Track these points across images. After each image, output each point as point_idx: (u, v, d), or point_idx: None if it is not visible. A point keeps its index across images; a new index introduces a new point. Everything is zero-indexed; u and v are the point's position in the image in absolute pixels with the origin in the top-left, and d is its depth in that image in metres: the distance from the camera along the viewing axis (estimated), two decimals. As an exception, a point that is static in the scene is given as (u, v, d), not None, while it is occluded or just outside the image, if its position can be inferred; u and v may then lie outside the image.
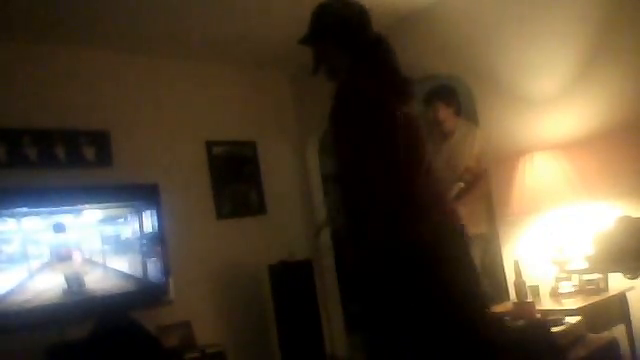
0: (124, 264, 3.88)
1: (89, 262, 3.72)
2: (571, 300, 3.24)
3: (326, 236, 5.32)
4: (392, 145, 1.92)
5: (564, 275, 3.41)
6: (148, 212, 4.02)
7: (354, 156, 1.93)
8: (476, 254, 2.49)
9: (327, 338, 4.77)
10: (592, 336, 2.98)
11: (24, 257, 3.45)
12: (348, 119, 1.96)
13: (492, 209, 3.94)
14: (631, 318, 3.27)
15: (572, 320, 2.91)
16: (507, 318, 3.01)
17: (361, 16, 2.17)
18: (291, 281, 4.41)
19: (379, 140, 1.91)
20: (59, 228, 3.62)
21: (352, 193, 1.95)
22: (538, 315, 3.06)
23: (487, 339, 1.96)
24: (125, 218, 3.93)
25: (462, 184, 3.74)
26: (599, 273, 3.26)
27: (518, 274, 3.36)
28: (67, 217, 3.67)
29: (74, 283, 3.61)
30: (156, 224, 4.03)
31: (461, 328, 1.90)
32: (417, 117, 2.10)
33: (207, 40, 4.36)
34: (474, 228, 3.17)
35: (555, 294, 3.41)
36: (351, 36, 2.14)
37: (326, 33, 2.19)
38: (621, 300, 3.28)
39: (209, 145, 4.72)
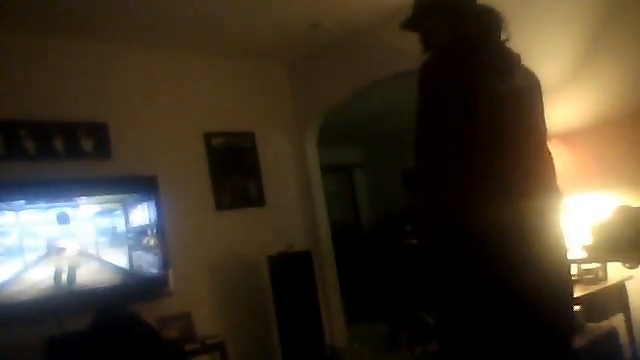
0: (123, 256, 3.88)
1: (87, 255, 3.72)
2: (570, 289, 3.25)
3: (325, 227, 5.34)
4: (467, 124, 1.83)
5: (563, 265, 3.41)
6: (147, 204, 4.02)
7: (428, 136, 1.88)
8: None
9: (326, 329, 4.79)
10: (591, 325, 3.00)
11: (22, 249, 3.45)
12: (424, 98, 1.90)
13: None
14: (630, 307, 3.29)
15: (571, 309, 2.92)
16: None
17: None
18: (290, 272, 4.41)
19: (451, 120, 1.84)
20: (63, 219, 3.62)
21: (422, 174, 1.89)
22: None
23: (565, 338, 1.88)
24: (124, 210, 3.93)
25: None
26: (598, 262, 3.27)
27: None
28: (65, 210, 3.66)
29: (72, 276, 3.61)
30: (155, 216, 4.03)
31: (535, 325, 1.81)
32: (517, 91, 1.96)
33: (206, 32, 4.34)
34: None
35: (554, 284, 3.41)
36: (453, 13, 2.07)
37: (428, 14, 2.12)
38: (620, 289, 3.29)
39: (208, 136, 4.71)
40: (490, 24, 2.04)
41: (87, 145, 3.99)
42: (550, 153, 2.03)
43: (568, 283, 2.00)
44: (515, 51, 2.05)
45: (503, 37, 2.04)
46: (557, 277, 1.90)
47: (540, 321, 1.81)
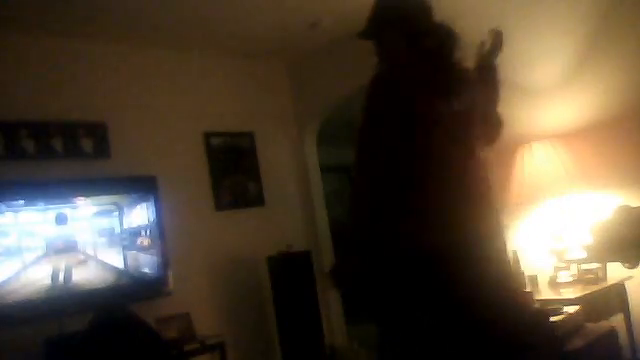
0: (122, 256, 3.87)
1: (87, 255, 3.72)
2: (570, 290, 3.25)
3: (325, 227, 5.33)
4: (415, 145, 1.84)
5: (563, 265, 3.41)
6: (146, 204, 4.01)
7: (368, 154, 1.88)
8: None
9: (326, 329, 4.78)
10: (591, 325, 2.99)
11: (21, 250, 3.44)
12: (373, 114, 1.91)
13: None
14: (630, 307, 3.28)
15: (571, 309, 2.92)
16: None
17: (419, 7, 2.11)
18: (290, 272, 4.41)
19: (399, 140, 1.84)
20: (61, 220, 3.62)
21: (362, 192, 1.88)
22: (537, 305, 3.06)
23: (511, 339, 1.88)
24: (123, 210, 3.93)
25: None
26: (598, 262, 3.27)
27: (516, 264, 3.36)
28: (65, 210, 3.66)
29: (69, 276, 3.60)
30: (155, 216, 4.03)
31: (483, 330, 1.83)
32: (461, 113, 1.97)
33: (205, 31, 4.33)
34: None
35: (554, 284, 3.41)
36: (410, 29, 2.07)
37: (385, 27, 2.13)
38: (620, 289, 3.29)
39: (207, 136, 4.70)
40: (447, 42, 2.04)
41: (86, 145, 3.99)
42: (488, 174, 2.03)
43: (517, 297, 2.01)
44: (467, 67, 2.04)
45: (458, 55, 2.03)
46: (505, 291, 1.90)
47: (493, 338, 1.82)
